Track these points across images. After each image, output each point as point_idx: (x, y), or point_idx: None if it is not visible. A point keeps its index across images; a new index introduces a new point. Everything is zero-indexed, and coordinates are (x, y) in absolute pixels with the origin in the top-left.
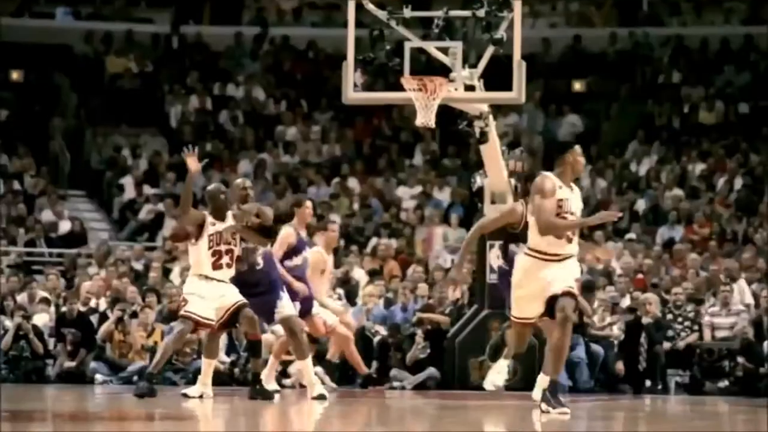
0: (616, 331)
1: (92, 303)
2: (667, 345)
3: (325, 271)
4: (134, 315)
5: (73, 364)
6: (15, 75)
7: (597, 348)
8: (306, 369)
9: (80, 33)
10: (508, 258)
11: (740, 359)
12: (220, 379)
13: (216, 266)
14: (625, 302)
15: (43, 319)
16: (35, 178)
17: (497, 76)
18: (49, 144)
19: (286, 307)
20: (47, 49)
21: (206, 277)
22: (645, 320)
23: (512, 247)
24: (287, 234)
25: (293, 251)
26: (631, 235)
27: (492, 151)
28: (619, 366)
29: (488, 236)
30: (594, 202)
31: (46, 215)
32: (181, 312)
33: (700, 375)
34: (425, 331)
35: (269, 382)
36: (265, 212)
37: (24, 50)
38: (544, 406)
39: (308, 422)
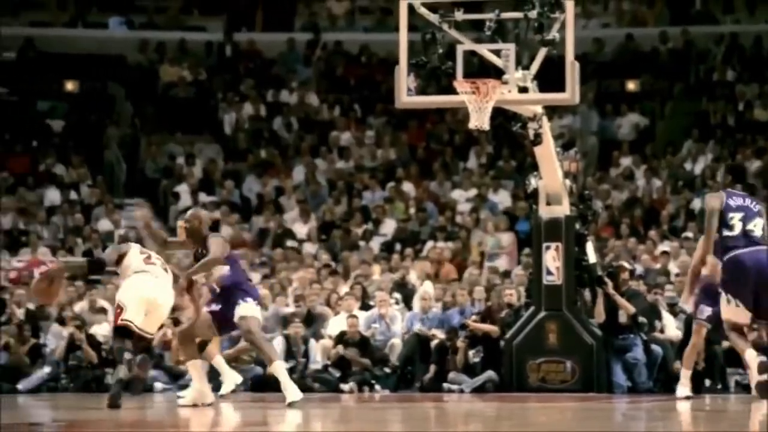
0: (675, 333)
1: None
2: (725, 344)
3: None
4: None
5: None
6: (70, 85)
7: (656, 348)
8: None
9: (134, 43)
10: None
11: None
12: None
13: None
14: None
15: (103, 329)
16: (91, 188)
17: (550, 77)
18: (104, 153)
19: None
20: (101, 59)
21: None
22: None
23: None
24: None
25: None
26: (688, 234)
27: (546, 153)
28: (678, 366)
29: (545, 238)
30: (648, 201)
31: (103, 224)
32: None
33: None
34: (472, 337)
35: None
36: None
37: (78, 61)
38: None
39: (367, 425)
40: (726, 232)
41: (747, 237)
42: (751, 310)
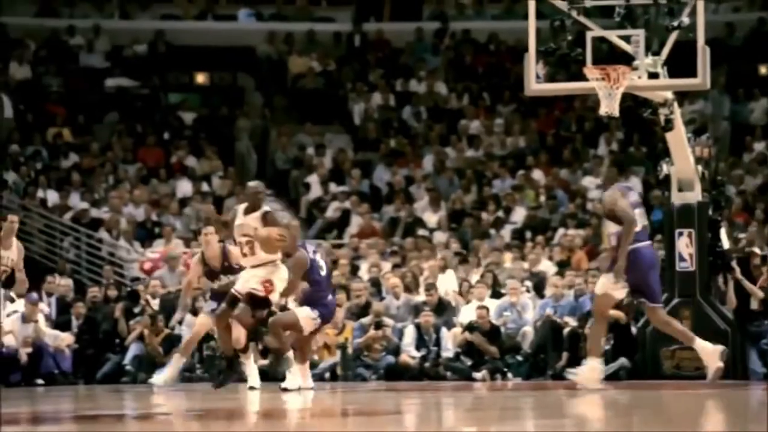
0: None
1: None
2: None
3: None
4: None
5: (265, 362)
6: (200, 78)
7: None
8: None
9: (263, 34)
10: None
11: None
12: (411, 373)
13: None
14: None
15: None
16: (223, 179)
17: (681, 63)
18: (235, 145)
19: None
20: (231, 51)
21: None
22: None
23: None
24: None
25: None
26: None
27: (678, 139)
28: None
29: (678, 224)
30: None
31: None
32: None
33: None
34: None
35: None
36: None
37: (208, 53)
38: None
39: (493, 416)
40: None
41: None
42: None
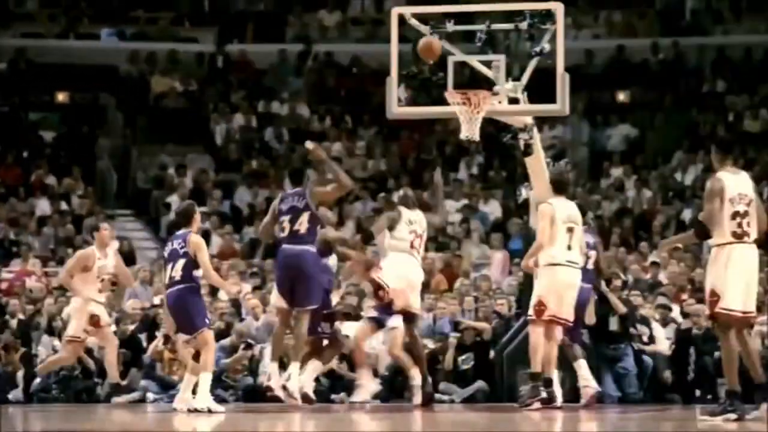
0: (665, 345)
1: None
2: (716, 354)
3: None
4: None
5: (124, 382)
6: (61, 96)
7: (646, 358)
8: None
9: (125, 53)
10: None
11: None
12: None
13: None
14: (674, 313)
15: (94, 339)
16: (82, 199)
17: (541, 88)
18: (95, 164)
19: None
20: (93, 69)
21: None
22: (694, 331)
23: None
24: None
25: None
26: (678, 245)
27: (537, 164)
28: (668, 376)
29: None
30: (639, 212)
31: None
32: None
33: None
34: (461, 344)
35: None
36: None
37: (70, 71)
38: None
39: None
40: None
41: None
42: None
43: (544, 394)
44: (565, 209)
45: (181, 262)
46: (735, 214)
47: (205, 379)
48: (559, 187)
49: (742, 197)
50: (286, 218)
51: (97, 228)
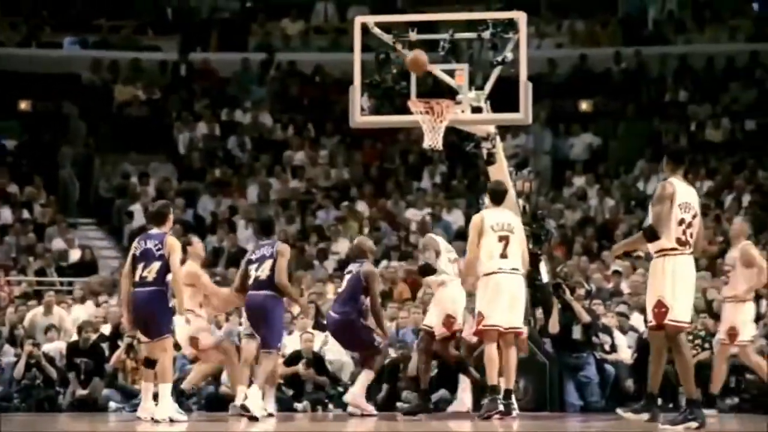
0: (627, 353)
1: (103, 330)
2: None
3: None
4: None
5: (85, 392)
6: (23, 105)
7: (608, 367)
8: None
9: (87, 62)
10: None
11: (749, 376)
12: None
13: None
14: (635, 321)
15: (56, 347)
16: (44, 207)
17: (504, 97)
18: (58, 172)
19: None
20: (55, 78)
21: None
22: None
23: None
24: None
25: None
26: (640, 253)
27: (499, 172)
28: (630, 385)
29: None
30: (601, 221)
31: (57, 244)
32: None
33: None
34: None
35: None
36: None
37: (32, 80)
38: None
39: None
40: None
41: None
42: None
43: (501, 407)
44: (497, 218)
45: (157, 264)
46: (682, 221)
47: (165, 388)
48: (493, 197)
49: (690, 207)
50: (253, 267)
51: (189, 242)
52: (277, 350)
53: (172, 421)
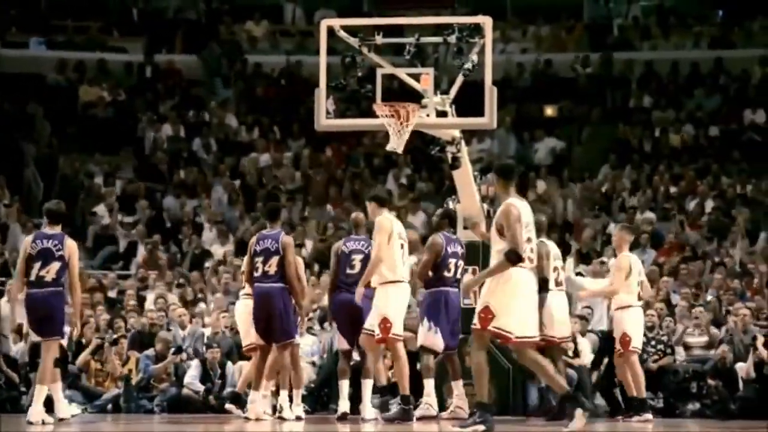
0: (589, 358)
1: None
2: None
3: None
4: (114, 343)
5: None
6: None
7: (570, 372)
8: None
9: (53, 62)
10: None
11: (711, 381)
12: (194, 406)
13: None
14: (599, 325)
15: (18, 348)
16: (8, 208)
17: (469, 102)
18: (22, 172)
19: None
20: (20, 78)
21: None
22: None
23: None
24: None
25: None
26: (603, 259)
27: (464, 177)
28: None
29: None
30: (565, 225)
31: (20, 244)
32: None
33: (671, 398)
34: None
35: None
36: None
37: None
38: None
39: None
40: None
41: None
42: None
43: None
44: (399, 225)
45: (56, 264)
46: (529, 240)
47: (41, 390)
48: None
49: (529, 224)
50: (259, 259)
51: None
52: (291, 343)
53: (44, 423)
